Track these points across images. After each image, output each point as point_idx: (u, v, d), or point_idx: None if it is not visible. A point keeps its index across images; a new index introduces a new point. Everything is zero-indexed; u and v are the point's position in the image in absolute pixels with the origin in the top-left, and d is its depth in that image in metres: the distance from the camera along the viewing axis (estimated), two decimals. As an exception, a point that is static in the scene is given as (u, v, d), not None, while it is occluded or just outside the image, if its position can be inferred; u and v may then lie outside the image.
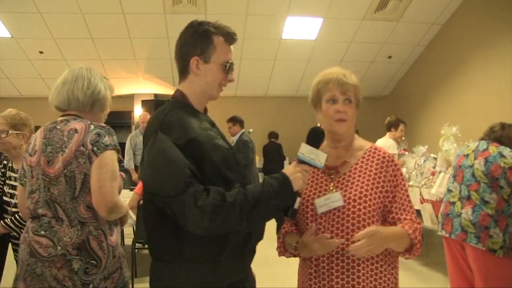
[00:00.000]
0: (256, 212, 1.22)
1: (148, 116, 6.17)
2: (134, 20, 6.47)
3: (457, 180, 2.73)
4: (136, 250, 3.92)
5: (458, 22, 6.60)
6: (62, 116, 1.70)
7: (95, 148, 1.56)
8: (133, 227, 4.14)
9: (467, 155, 2.71)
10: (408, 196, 1.42)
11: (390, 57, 7.81)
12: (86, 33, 6.64)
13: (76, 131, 1.60)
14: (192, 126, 1.28)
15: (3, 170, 2.59)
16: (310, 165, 1.31)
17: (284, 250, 1.50)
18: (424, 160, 4.70)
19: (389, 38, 7.23)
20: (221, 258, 1.28)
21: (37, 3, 5.98)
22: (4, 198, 2.54)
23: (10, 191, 2.51)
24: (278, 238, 1.54)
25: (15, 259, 2.65)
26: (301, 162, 1.31)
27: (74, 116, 1.69)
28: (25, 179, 1.69)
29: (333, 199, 1.36)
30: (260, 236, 1.41)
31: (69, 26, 6.49)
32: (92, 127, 1.62)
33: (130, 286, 3.79)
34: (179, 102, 1.39)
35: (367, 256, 1.33)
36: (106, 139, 1.60)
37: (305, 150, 1.31)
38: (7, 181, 2.55)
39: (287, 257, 1.51)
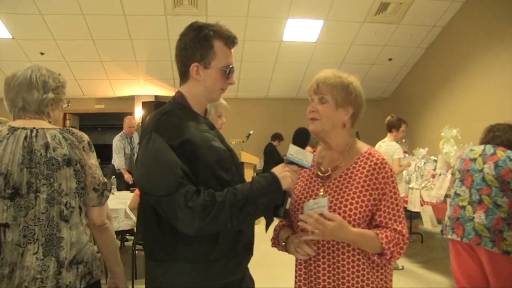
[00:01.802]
0: (245, 210, 1.24)
1: (133, 121, 6.10)
2: (135, 21, 6.48)
3: (466, 184, 2.74)
4: (136, 251, 3.92)
5: (458, 25, 6.61)
6: None
7: None
8: (134, 229, 4.14)
9: (475, 159, 2.73)
10: (397, 205, 1.38)
11: (390, 59, 7.82)
12: (87, 34, 6.65)
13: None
14: (188, 127, 1.30)
15: None
16: (298, 165, 1.33)
17: (277, 242, 1.54)
18: (424, 163, 4.71)
19: (389, 41, 7.24)
20: (212, 258, 1.30)
21: (38, 5, 5.99)
22: None
23: None
24: (274, 230, 1.57)
25: None
26: (290, 162, 1.34)
27: None
28: None
29: (320, 204, 1.35)
30: (250, 235, 1.42)
31: (70, 28, 6.50)
32: None
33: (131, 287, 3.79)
34: (179, 103, 1.41)
35: (353, 258, 1.36)
36: None
37: (293, 151, 1.34)
38: None
39: (278, 250, 1.55)
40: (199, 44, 1.36)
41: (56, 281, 1.37)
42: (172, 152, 1.23)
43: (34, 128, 1.47)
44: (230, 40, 1.40)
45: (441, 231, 2.93)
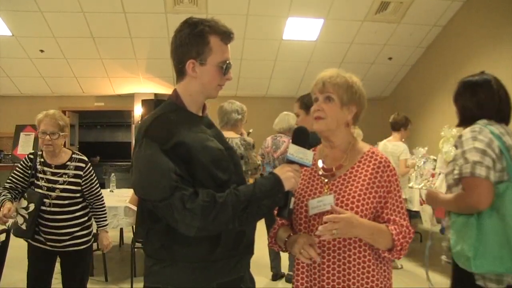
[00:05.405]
0: (248, 212, 1.24)
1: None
2: (135, 19, 6.48)
3: None
4: (135, 249, 3.92)
5: (459, 24, 6.60)
6: (278, 133, 4.01)
7: None
8: (133, 226, 4.14)
9: None
10: (401, 202, 1.42)
11: (390, 58, 7.81)
12: (87, 32, 6.64)
13: (284, 141, 3.52)
14: (180, 129, 1.29)
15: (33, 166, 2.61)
16: (299, 164, 1.33)
17: (274, 242, 1.54)
18: (424, 162, 4.70)
19: (389, 40, 7.23)
20: (212, 258, 1.30)
21: (38, 2, 5.97)
22: (39, 190, 2.55)
23: (45, 184, 2.56)
24: (273, 229, 1.56)
25: (28, 257, 2.60)
26: (291, 162, 1.33)
27: (286, 134, 3.85)
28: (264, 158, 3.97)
29: (325, 202, 1.36)
30: (252, 235, 1.42)
31: (70, 25, 6.49)
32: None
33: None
34: (173, 104, 1.39)
35: (360, 255, 1.36)
36: None
37: (293, 150, 1.33)
38: (39, 175, 2.57)
39: (276, 250, 1.56)
40: (194, 40, 1.34)
41: None
42: (164, 156, 1.22)
43: (227, 138, 2.04)
44: (226, 35, 1.37)
45: (440, 230, 2.94)
